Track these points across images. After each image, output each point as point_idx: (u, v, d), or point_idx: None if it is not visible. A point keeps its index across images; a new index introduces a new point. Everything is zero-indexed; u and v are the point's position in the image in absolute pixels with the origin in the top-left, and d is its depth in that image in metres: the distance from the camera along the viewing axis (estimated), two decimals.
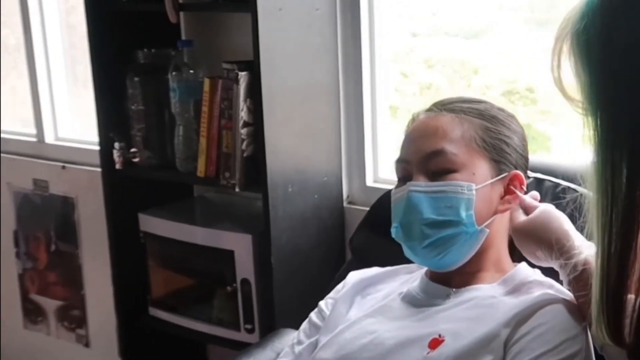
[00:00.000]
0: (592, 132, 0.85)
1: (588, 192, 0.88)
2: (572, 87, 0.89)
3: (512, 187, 1.11)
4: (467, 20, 1.91)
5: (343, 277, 1.30)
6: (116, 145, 1.98)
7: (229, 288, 1.91)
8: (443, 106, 1.14)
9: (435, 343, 1.03)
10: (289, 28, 1.78)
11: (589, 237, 0.94)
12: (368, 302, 1.18)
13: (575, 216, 1.06)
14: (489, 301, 1.06)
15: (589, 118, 0.85)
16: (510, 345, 0.99)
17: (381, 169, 1.96)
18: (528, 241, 1.06)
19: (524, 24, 1.85)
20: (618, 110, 0.82)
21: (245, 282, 1.89)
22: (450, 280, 1.12)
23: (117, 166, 1.99)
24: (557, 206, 1.11)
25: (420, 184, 1.08)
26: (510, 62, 1.90)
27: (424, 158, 1.10)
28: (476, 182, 1.08)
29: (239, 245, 1.87)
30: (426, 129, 1.12)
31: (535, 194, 1.14)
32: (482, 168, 1.09)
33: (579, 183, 1.18)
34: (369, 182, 1.96)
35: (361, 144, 1.94)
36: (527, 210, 1.09)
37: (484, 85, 1.95)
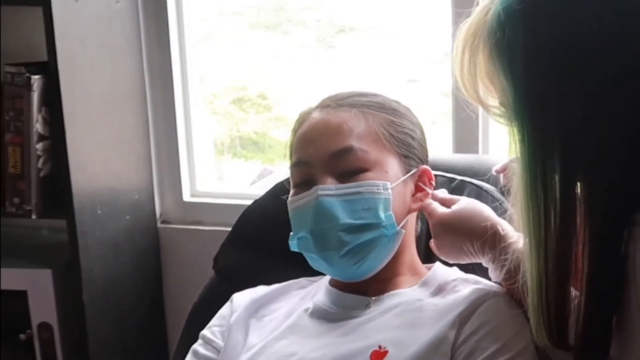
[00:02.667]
0: (518, 143, 0.80)
1: (513, 204, 0.84)
2: (489, 97, 0.86)
3: (421, 184, 1.04)
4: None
5: (210, 301, 1.15)
6: None
7: (22, 336, 1.60)
8: (340, 101, 1.04)
9: (377, 356, 0.93)
10: (87, 24, 1.53)
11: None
12: (268, 324, 1.05)
13: None
14: (417, 305, 0.97)
15: (514, 129, 0.81)
16: (457, 346, 0.92)
17: (199, 181, 1.77)
18: (456, 234, 0.97)
19: (250, 28, 1.80)
20: (547, 120, 0.78)
21: (44, 326, 1.59)
22: (365, 289, 1.01)
23: None
24: None
25: (331, 187, 0.97)
26: (238, 68, 1.83)
27: (329, 158, 0.99)
28: (390, 180, 0.99)
29: (34, 283, 1.58)
30: (328, 127, 1.01)
31: (444, 191, 1.07)
32: (393, 165, 1.01)
33: (469, 175, 1.14)
34: (186, 197, 1.76)
35: (174, 155, 1.74)
36: (447, 203, 1.01)
37: (211, 94, 1.86)
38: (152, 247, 1.75)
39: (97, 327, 1.58)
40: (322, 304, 1.02)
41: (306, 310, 1.03)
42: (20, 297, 1.58)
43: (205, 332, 1.08)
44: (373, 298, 1.00)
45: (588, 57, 0.77)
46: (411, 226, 1.04)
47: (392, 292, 1.00)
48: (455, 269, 1.04)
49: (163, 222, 1.78)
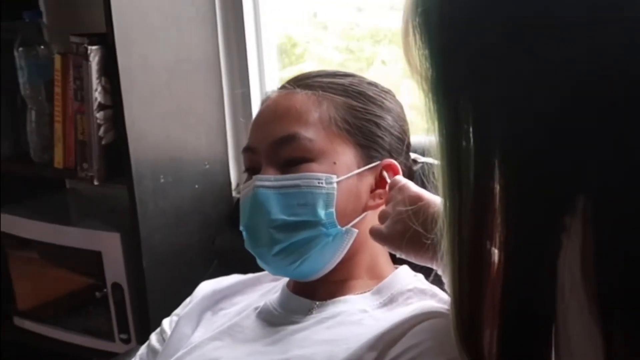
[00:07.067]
0: (435, 122, 0.67)
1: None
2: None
3: (386, 178, 0.91)
4: None
5: None
6: None
7: (98, 294, 1.68)
8: (298, 82, 0.94)
9: None
10: None
11: None
12: (219, 319, 0.98)
13: None
14: (357, 317, 0.86)
15: (431, 104, 0.68)
16: None
17: None
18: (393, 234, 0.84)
19: None
20: (461, 92, 0.65)
21: (116, 286, 1.67)
22: (314, 291, 0.92)
23: None
24: None
25: (269, 178, 0.88)
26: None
27: (273, 145, 0.90)
28: (338, 173, 0.88)
29: (107, 245, 1.65)
30: (275, 111, 0.92)
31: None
32: (345, 156, 0.90)
33: None
34: None
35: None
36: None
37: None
38: (224, 217, 1.74)
39: (158, 293, 1.61)
40: (270, 304, 0.93)
41: (256, 308, 0.94)
42: (96, 257, 1.66)
43: (165, 320, 1.04)
44: (317, 303, 0.89)
45: (504, 12, 0.62)
46: (371, 225, 0.91)
47: (338, 298, 0.89)
48: (420, 276, 0.90)
49: (239, 192, 1.77)
